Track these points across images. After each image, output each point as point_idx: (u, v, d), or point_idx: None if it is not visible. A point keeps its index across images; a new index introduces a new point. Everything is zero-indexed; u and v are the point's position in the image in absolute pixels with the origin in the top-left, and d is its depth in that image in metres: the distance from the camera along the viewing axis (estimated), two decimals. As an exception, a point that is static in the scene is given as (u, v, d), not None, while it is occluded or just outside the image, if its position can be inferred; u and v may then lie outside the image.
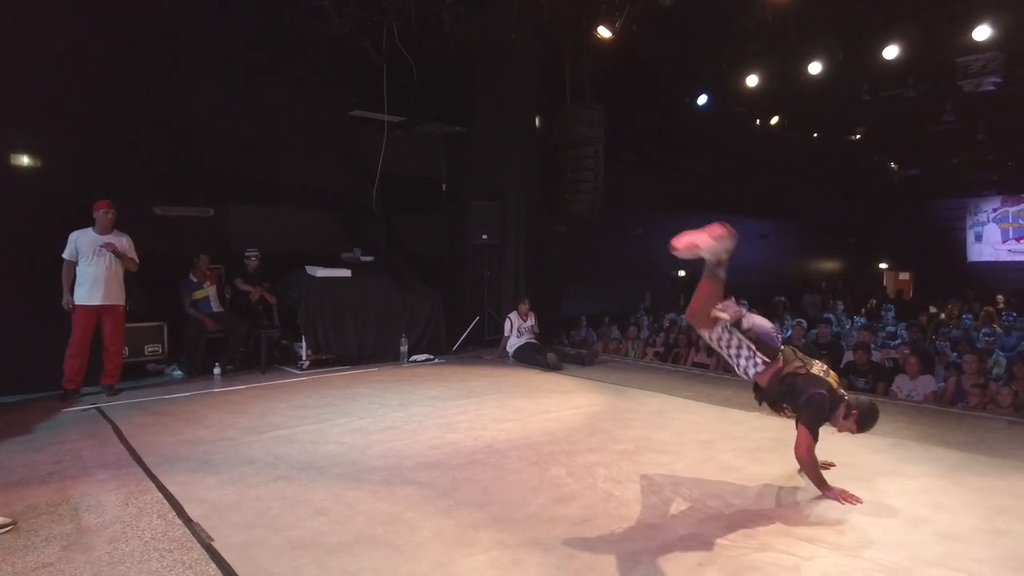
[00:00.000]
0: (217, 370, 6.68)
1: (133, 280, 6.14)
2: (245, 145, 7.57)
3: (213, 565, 2.74)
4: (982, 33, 8.12)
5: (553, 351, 7.54)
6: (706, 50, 10.64)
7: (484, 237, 8.77)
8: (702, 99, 11.97)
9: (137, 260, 6.02)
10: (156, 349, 6.84)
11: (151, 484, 3.67)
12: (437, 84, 8.83)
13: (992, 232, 17.36)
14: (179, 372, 6.80)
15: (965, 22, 8.25)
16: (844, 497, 3.46)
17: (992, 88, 9.85)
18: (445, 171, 9.68)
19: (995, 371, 6.94)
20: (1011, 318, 9.62)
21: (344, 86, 8.34)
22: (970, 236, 17.70)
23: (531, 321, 8.01)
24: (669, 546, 2.94)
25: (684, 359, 8.85)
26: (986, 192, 17.31)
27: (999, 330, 8.73)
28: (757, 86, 10.41)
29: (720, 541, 2.98)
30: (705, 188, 14.26)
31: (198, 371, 6.77)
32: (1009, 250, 17.03)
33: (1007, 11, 8.03)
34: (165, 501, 3.42)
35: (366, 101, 8.36)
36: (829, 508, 3.36)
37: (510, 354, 7.88)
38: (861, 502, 3.43)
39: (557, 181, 9.60)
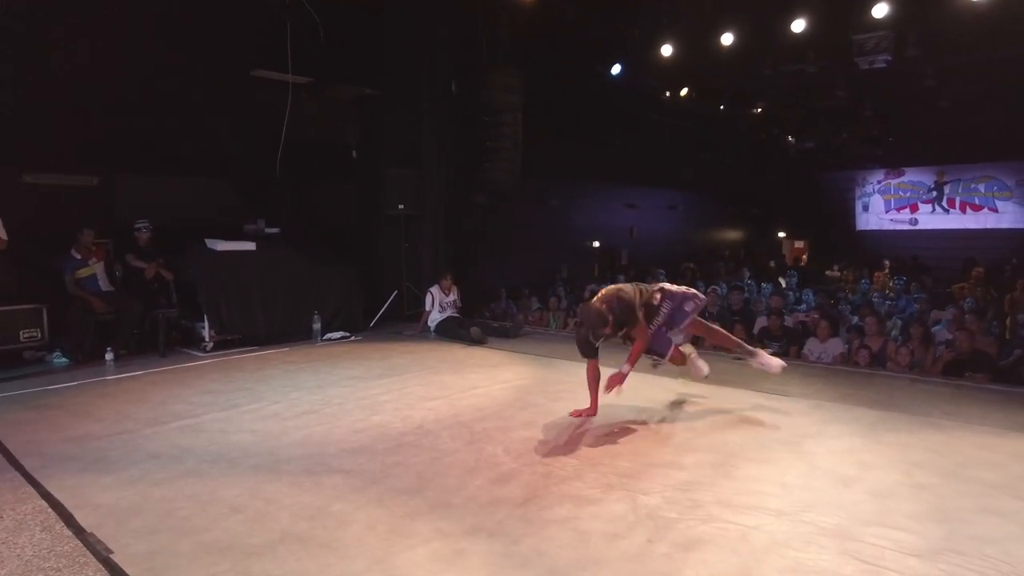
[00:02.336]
0: (110, 355, 6.04)
1: (3, 258, 5.40)
2: (133, 106, 6.79)
3: (113, 582, 2.40)
4: (880, 11, 8.44)
5: (477, 324, 7.36)
6: (620, 18, 10.57)
7: (400, 207, 8.39)
8: (615, 69, 11.93)
9: (5, 237, 5.29)
10: (34, 334, 6.07)
11: (32, 491, 3.20)
12: (346, 44, 8.25)
13: (877, 203, 18.63)
14: (63, 359, 6.10)
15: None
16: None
17: (884, 66, 10.38)
18: (356, 136, 9.15)
19: (893, 333, 7.38)
20: (900, 283, 10.32)
21: (244, 44, 7.64)
22: (858, 206, 18.92)
23: (453, 295, 7.77)
24: (616, 522, 2.85)
25: (604, 329, 8.89)
26: (871, 165, 18.49)
27: (891, 294, 9.32)
28: (668, 57, 10.44)
29: (666, 515, 2.92)
30: (618, 160, 14.35)
31: (86, 357, 6.09)
32: (891, 220, 18.35)
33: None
34: (50, 510, 2.98)
35: (269, 60, 7.70)
36: (764, 474, 3.39)
37: (431, 329, 7.63)
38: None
39: (475, 149, 9.29)
